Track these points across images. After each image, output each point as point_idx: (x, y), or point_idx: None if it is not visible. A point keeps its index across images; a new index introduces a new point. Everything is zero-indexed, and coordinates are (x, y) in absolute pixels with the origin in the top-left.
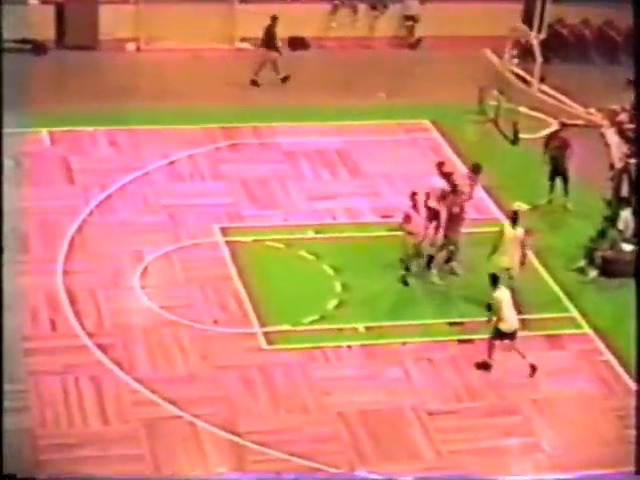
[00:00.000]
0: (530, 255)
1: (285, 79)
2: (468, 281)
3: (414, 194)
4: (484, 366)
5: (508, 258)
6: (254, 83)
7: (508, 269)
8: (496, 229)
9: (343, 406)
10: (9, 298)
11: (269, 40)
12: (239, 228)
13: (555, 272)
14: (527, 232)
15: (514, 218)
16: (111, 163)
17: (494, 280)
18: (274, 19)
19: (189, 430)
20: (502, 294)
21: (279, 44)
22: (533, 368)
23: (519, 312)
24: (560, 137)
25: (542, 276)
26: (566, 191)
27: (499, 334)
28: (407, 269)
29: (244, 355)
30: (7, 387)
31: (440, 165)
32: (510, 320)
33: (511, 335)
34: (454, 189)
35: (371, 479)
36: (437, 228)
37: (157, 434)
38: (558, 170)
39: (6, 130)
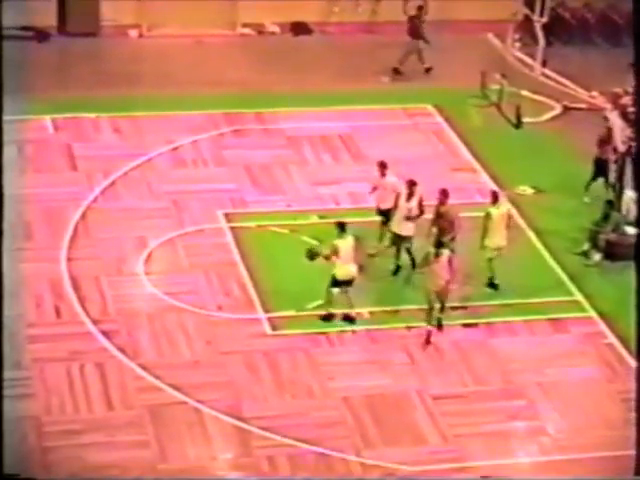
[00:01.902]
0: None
1: (428, 70)
2: (471, 265)
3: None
4: (328, 317)
5: (499, 238)
6: (397, 72)
7: (500, 248)
8: (482, 214)
9: (348, 391)
10: (13, 285)
11: (414, 29)
12: (243, 214)
13: (559, 255)
14: (538, 191)
15: (495, 198)
16: (114, 150)
17: (341, 227)
18: (420, 8)
19: (194, 416)
20: (342, 242)
21: (424, 33)
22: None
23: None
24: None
25: (546, 259)
26: (587, 186)
27: (335, 282)
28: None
29: (248, 341)
30: (12, 374)
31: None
32: (346, 268)
33: (347, 283)
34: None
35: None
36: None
37: (162, 420)
38: (601, 172)
39: (9, 117)
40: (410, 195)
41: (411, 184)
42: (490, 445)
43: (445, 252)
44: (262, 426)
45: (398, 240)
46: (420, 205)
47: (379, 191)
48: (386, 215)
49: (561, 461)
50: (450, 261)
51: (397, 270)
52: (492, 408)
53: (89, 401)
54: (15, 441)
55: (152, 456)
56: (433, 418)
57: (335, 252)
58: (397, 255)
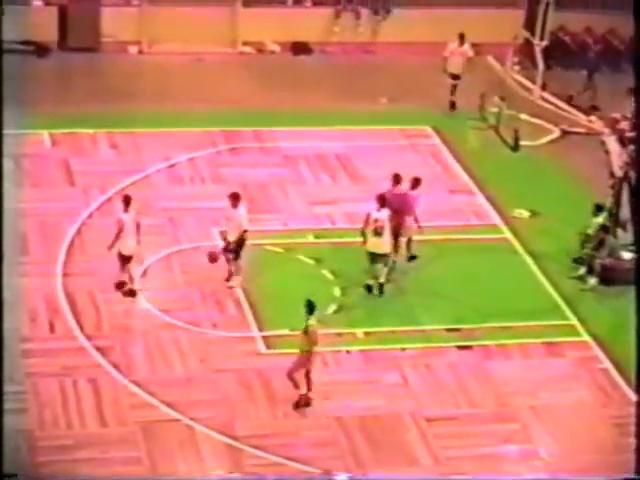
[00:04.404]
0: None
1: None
2: (466, 288)
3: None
4: (131, 293)
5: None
6: (594, 108)
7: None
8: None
9: (341, 411)
10: (8, 299)
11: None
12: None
13: (554, 279)
14: (534, 214)
15: (382, 203)
16: (111, 166)
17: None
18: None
19: (186, 433)
20: (125, 217)
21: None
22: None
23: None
24: None
25: (541, 283)
26: None
27: (121, 257)
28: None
29: (242, 359)
30: (6, 388)
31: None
32: (127, 244)
33: (127, 258)
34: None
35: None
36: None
37: (154, 437)
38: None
39: (7, 131)
40: (381, 206)
41: (380, 198)
42: (482, 468)
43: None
44: (254, 444)
45: (372, 258)
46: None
47: (229, 223)
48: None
49: None
50: None
51: (369, 289)
52: (485, 431)
53: (82, 417)
54: (7, 455)
55: (144, 473)
56: (426, 440)
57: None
58: (370, 273)
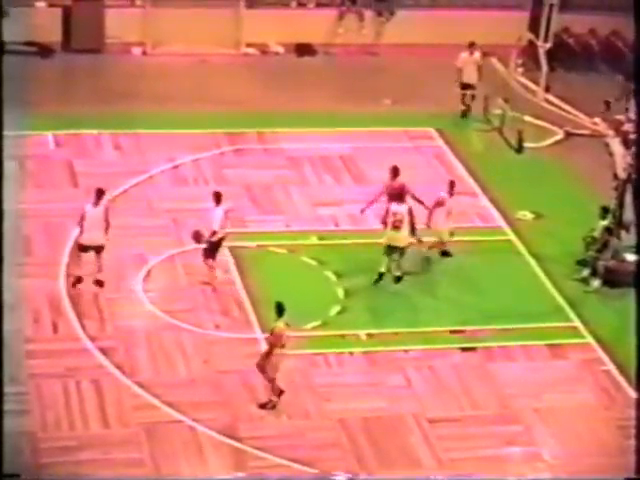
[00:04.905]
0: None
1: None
2: (470, 290)
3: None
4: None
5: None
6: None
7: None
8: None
9: (344, 413)
10: (12, 300)
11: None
12: (242, 233)
13: (558, 281)
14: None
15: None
16: (115, 167)
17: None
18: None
19: (189, 434)
20: (89, 208)
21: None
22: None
23: None
24: None
25: (545, 285)
26: None
27: (78, 247)
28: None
29: (245, 360)
30: (8, 389)
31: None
32: (87, 235)
33: (85, 248)
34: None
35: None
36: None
37: (157, 438)
38: None
39: (11, 132)
40: (400, 200)
41: (401, 189)
42: (485, 470)
43: None
44: (257, 446)
45: (389, 251)
46: (410, 213)
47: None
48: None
49: None
50: None
51: (380, 277)
52: (488, 433)
53: (85, 418)
54: (10, 457)
55: (147, 474)
56: (429, 442)
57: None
58: (387, 264)
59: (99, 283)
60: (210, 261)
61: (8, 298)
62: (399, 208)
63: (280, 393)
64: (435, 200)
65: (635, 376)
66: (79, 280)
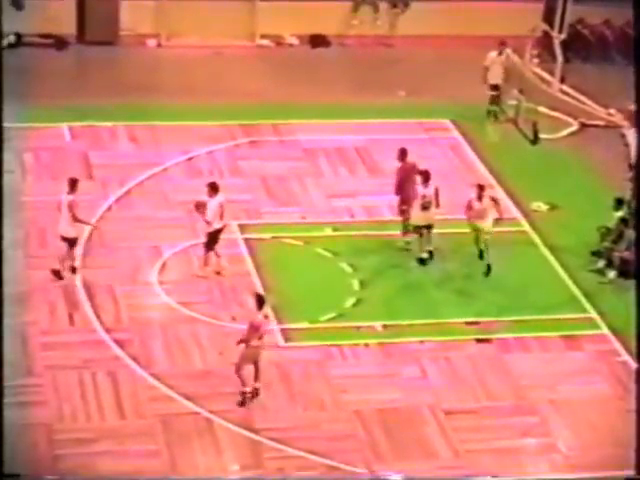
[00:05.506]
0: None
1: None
2: (485, 281)
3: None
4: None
5: None
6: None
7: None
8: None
9: (360, 404)
10: (27, 292)
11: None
12: (257, 225)
13: (573, 272)
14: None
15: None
16: (130, 159)
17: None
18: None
19: (205, 426)
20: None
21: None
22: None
23: None
24: None
25: (560, 276)
26: None
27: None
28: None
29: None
30: (24, 381)
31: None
32: (60, 226)
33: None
34: None
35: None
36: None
37: (173, 430)
38: None
39: (26, 124)
40: (426, 182)
41: (426, 174)
42: (501, 461)
43: None
44: (273, 437)
45: (420, 231)
46: (436, 195)
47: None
48: None
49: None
50: None
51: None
52: (504, 424)
53: (101, 409)
54: (26, 448)
55: (163, 466)
56: (445, 433)
57: None
58: (423, 243)
59: (73, 269)
60: (209, 252)
61: (23, 290)
62: (427, 190)
63: (244, 385)
64: (465, 205)
65: (635, 373)
66: (73, 270)
